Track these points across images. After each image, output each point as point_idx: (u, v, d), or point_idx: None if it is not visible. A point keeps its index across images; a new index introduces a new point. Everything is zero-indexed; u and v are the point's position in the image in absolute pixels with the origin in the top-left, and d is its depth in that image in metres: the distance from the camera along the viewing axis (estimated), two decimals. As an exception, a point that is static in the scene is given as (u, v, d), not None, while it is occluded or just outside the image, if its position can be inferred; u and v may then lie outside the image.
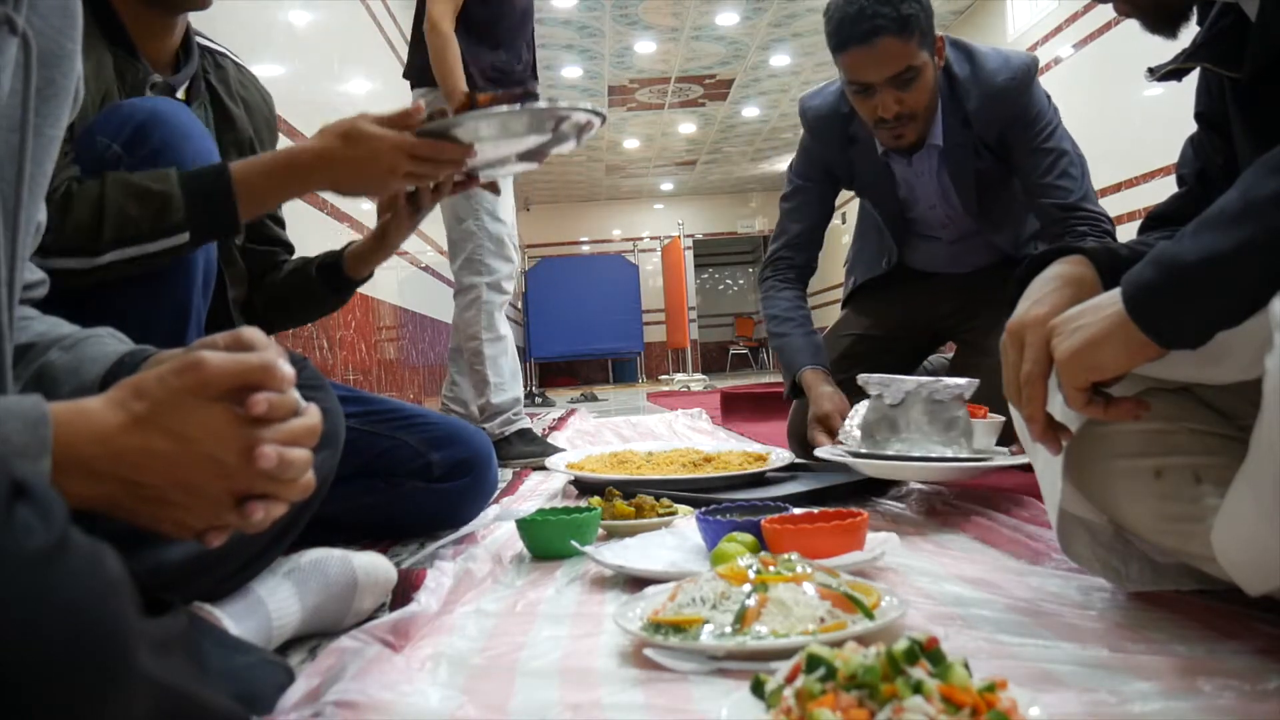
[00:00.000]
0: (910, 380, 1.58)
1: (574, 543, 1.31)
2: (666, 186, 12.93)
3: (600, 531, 1.46)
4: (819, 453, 1.79)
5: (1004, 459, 1.57)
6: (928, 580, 1.15)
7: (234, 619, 0.92)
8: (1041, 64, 2.19)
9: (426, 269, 5.80)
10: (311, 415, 0.68)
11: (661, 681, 0.84)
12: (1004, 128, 1.90)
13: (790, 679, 0.67)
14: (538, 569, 1.32)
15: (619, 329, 11.43)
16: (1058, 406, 0.88)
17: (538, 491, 2.09)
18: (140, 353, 0.80)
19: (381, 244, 1.42)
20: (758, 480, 1.90)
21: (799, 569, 0.95)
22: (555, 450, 2.64)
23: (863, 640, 0.75)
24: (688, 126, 9.88)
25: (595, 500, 1.55)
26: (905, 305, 2.24)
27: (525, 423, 2.80)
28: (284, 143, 1.56)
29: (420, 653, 0.95)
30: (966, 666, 0.65)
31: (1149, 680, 0.78)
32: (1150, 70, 0.98)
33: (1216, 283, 0.73)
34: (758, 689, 0.69)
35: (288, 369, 0.66)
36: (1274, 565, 0.76)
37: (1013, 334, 0.90)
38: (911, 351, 2.28)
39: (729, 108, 9.24)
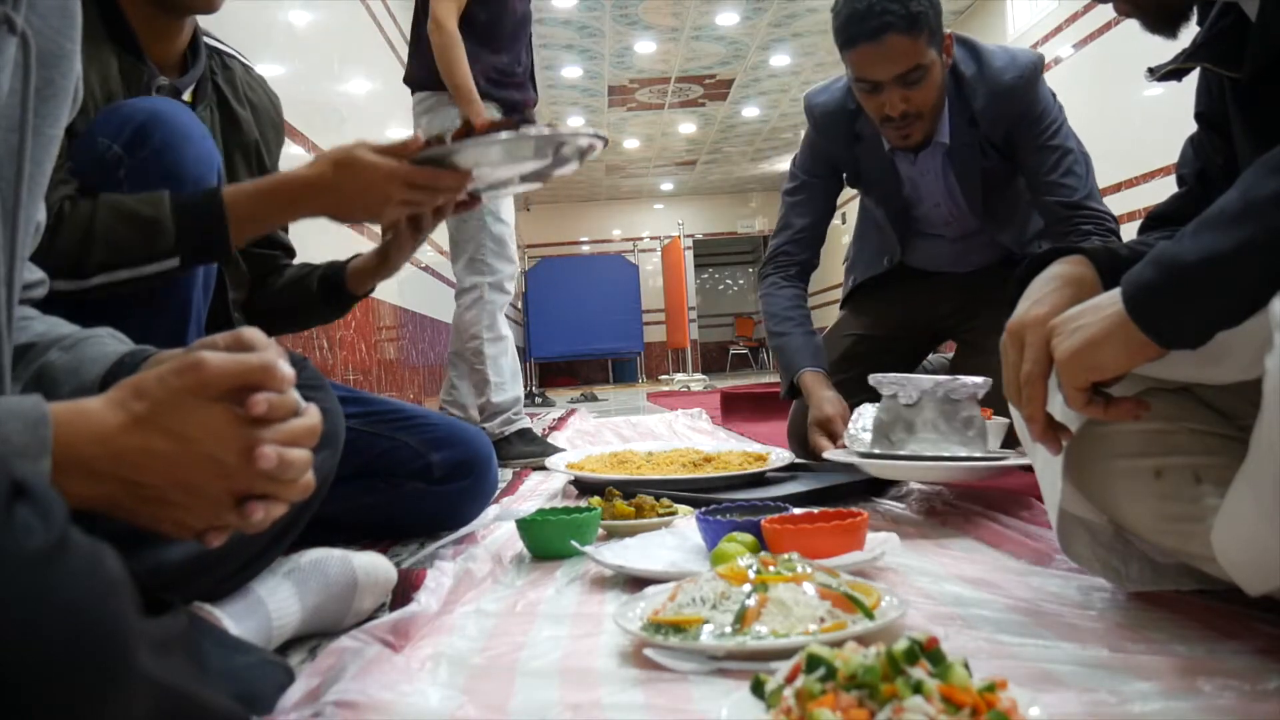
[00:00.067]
0: (926, 379, 1.56)
1: (574, 543, 1.31)
2: (666, 186, 12.93)
3: (600, 531, 1.46)
4: (828, 455, 1.78)
5: (1019, 458, 1.56)
6: (928, 580, 1.15)
7: (234, 619, 0.92)
8: (1042, 64, 2.20)
9: (427, 269, 5.80)
10: (311, 415, 0.68)
11: (661, 681, 0.84)
12: (1010, 126, 1.90)
13: (790, 679, 0.67)
14: (538, 569, 1.32)
15: (619, 329, 11.43)
16: (1058, 406, 0.88)
17: (538, 491, 2.09)
18: (140, 353, 0.80)
19: (383, 263, 1.41)
20: (758, 480, 1.90)
21: (799, 569, 0.95)
22: (555, 450, 2.64)
23: (863, 640, 0.75)
24: (688, 126, 9.89)
25: (595, 500, 1.55)
26: (905, 305, 2.23)
27: (525, 422, 2.80)
28: (285, 144, 1.56)
29: (420, 653, 0.95)
30: (966, 666, 0.65)
31: (1149, 680, 0.78)
32: (1150, 70, 0.98)
33: (1216, 283, 0.73)
34: (758, 689, 0.69)
35: (288, 369, 0.66)
36: (1274, 565, 0.76)
37: (1013, 334, 0.90)
38: (911, 351, 2.28)
39: (729, 108, 9.24)
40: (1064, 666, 0.82)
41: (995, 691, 0.64)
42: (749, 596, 0.91)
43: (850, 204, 3.41)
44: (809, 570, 0.96)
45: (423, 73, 2.70)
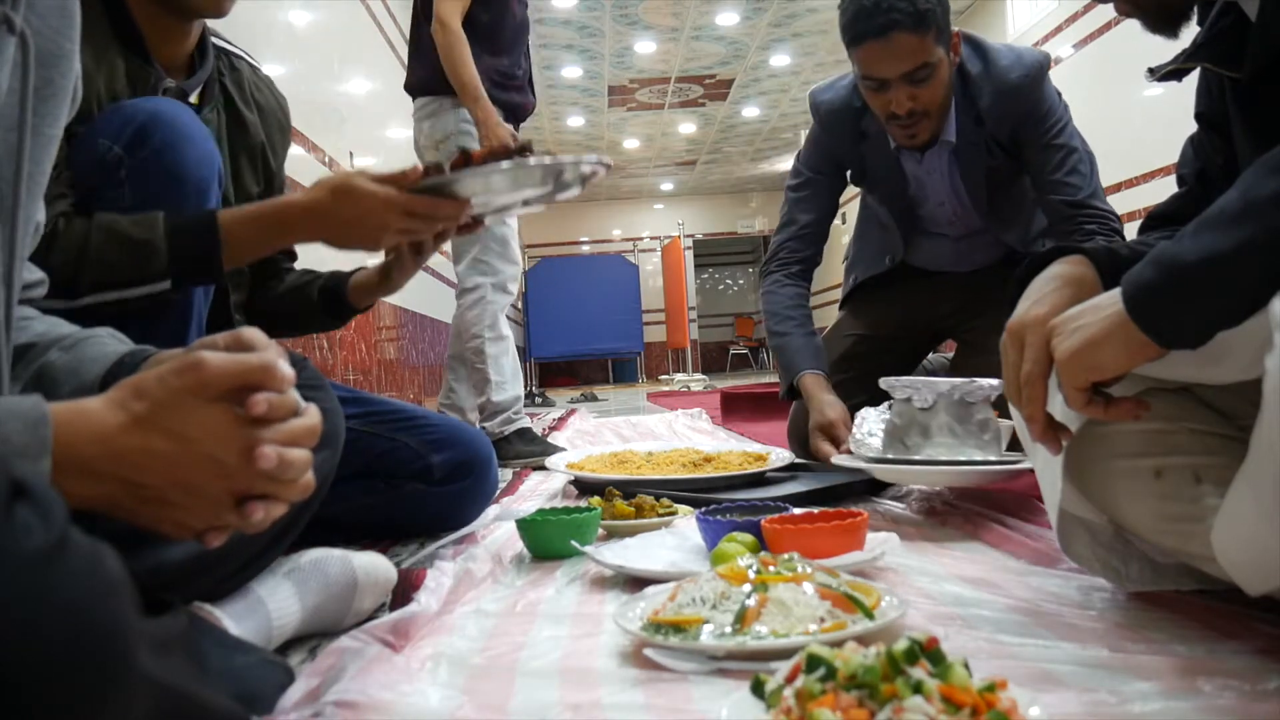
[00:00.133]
0: (943, 382, 1.54)
1: (574, 543, 1.31)
2: (666, 186, 12.93)
3: (600, 531, 1.46)
4: (836, 460, 1.75)
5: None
6: (928, 580, 1.15)
7: (234, 619, 0.92)
8: (1042, 63, 2.20)
9: (427, 269, 5.80)
10: (311, 415, 0.68)
11: (661, 681, 0.84)
12: (1016, 125, 1.89)
13: (790, 679, 0.67)
14: (538, 569, 1.32)
15: (619, 329, 11.43)
16: (1058, 406, 0.87)
17: (538, 491, 2.09)
18: (140, 353, 0.80)
19: (385, 281, 1.41)
20: (758, 480, 1.90)
21: (799, 569, 0.95)
22: (555, 450, 2.64)
23: (863, 640, 0.75)
24: (688, 126, 9.89)
25: (595, 500, 1.54)
26: (905, 305, 2.23)
27: (525, 422, 2.80)
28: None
29: (420, 653, 0.95)
30: (966, 666, 0.65)
31: (1149, 680, 0.78)
32: (1150, 70, 0.98)
33: (1216, 283, 0.73)
34: (758, 689, 0.69)
35: (288, 369, 0.66)
36: (1274, 565, 0.76)
37: (1013, 334, 0.90)
38: (911, 351, 2.28)
39: (729, 108, 9.24)
40: (1064, 666, 0.82)
41: (995, 691, 0.64)
42: (749, 596, 0.91)
43: (850, 204, 3.40)
44: (809, 570, 0.95)
45: (424, 76, 2.70)
